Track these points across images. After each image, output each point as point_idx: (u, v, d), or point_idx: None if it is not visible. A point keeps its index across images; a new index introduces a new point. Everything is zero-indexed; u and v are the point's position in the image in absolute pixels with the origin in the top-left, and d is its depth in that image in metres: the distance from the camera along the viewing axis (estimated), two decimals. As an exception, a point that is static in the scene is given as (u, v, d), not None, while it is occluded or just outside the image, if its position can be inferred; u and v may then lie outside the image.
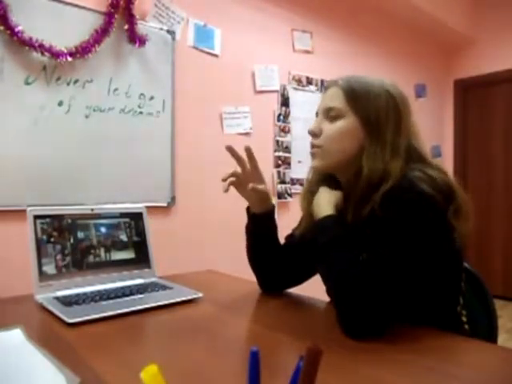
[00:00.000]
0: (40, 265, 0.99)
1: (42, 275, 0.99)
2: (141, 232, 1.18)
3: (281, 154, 2.68)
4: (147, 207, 1.22)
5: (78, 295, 0.97)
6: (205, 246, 2.29)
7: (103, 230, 1.12)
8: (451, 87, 4.12)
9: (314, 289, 1.08)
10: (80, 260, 1.05)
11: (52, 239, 1.02)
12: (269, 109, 2.63)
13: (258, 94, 2.57)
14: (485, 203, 3.82)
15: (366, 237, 0.79)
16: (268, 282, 1.09)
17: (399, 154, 0.83)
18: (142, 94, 2.03)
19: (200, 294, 1.00)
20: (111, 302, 0.93)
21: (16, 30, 1.63)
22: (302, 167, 2.67)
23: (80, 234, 1.07)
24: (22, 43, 1.65)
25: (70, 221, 1.06)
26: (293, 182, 2.73)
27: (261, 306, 1.03)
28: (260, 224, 1.05)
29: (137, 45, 1.97)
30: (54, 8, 1.76)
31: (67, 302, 0.91)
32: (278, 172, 2.67)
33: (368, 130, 0.85)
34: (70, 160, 1.82)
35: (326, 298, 0.92)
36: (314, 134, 0.90)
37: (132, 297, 0.97)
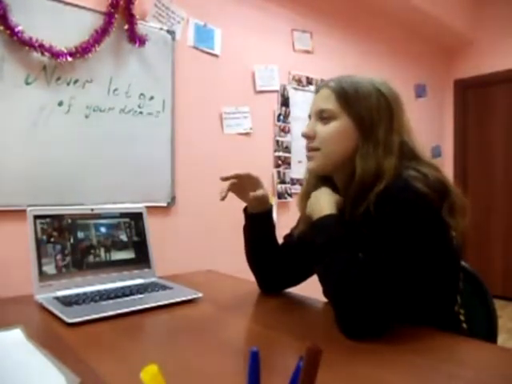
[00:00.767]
0: (40, 265, 0.99)
1: (42, 275, 0.99)
2: (141, 232, 1.18)
3: (281, 153, 2.68)
4: (147, 207, 1.22)
5: (78, 295, 0.97)
6: (205, 246, 2.29)
7: (103, 230, 1.12)
8: (451, 87, 4.12)
9: (313, 289, 1.07)
10: (80, 260, 1.05)
11: (52, 239, 1.02)
12: (269, 109, 2.63)
13: (257, 93, 2.57)
14: (485, 203, 3.82)
15: (362, 236, 0.79)
16: (266, 282, 1.09)
17: (392, 151, 0.84)
18: (141, 94, 2.03)
19: (200, 294, 1.00)
20: (111, 302, 0.93)
21: (16, 29, 1.63)
22: (301, 167, 2.65)
23: (80, 234, 1.07)
24: (21, 43, 1.65)
25: (70, 221, 1.06)
26: (293, 181, 2.73)
27: (261, 306, 1.03)
28: (258, 224, 1.05)
29: (137, 45, 1.97)
30: (54, 8, 1.76)
31: (67, 301, 0.91)
32: (278, 172, 2.67)
33: (361, 129, 0.86)
34: (69, 160, 1.81)
35: (325, 299, 0.92)
36: (309, 137, 0.91)
37: (132, 297, 0.97)
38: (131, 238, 1.16)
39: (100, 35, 1.84)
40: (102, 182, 1.90)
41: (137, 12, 1.95)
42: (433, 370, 0.62)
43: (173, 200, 2.15)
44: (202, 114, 2.30)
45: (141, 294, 1.00)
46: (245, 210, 1.07)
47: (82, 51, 1.79)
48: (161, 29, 2.10)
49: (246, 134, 2.50)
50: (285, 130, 2.70)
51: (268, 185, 2.63)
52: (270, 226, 1.06)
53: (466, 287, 1.02)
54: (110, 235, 1.12)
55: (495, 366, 0.67)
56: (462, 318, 0.92)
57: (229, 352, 0.72)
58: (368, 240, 0.77)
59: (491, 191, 3.85)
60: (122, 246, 1.13)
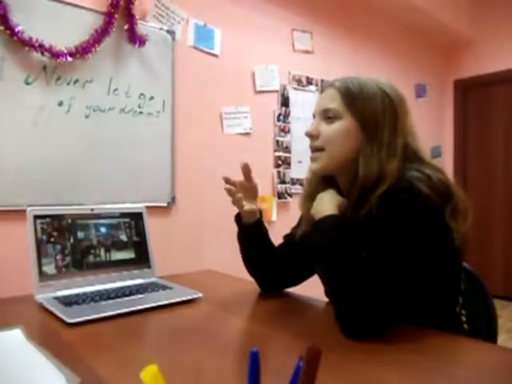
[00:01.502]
0: (40, 265, 0.99)
1: (42, 275, 0.99)
2: (141, 232, 1.18)
3: (281, 153, 2.68)
4: (147, 207, 1.22)
5: (77, 295, 0.97)
6: (205, 246, 2.29)
7: (103, 230, 1.12)
8: (451, 87, 4.12)
9: (313, 289, 1.08)
10: (80, 260, 1.05)
11: (52, 239, 1.02)
12: (269, 109, 2.63)
13: (258, 93, 2.57)
14: (485, 203, 3.82)
15: (363, 237, 0.79)
16: (266, 283, 1.09)
17: (396, 153, 0.83)
18: (141, 94, 2.03)
19: (200, 294, 1.00)
20: (111, 301, 0.93)
21: (16, 29, 1.63)
22: (301, 167, 2.67)
23: (80, 234, 1.07)
24: (22, 43, 1.65)
25: (70, 221, 1.06)
26: (293, 181, 2.73)
27: (261, 306, 1.03)
28: (251, 233, 1.06)
29: (137, 45, 1.97)
30: (54, 8, 1.76)
31: (67, 302, 0.91)
32: (278, 172, 2.67)
33: (365, 130, 0.85)
34: (69, 160, 1.82)
35: (326, 298, 0.92)
36: (312, 136, 0.90)
37: (132, 297, 0.97)
38: (131, 237, 1.16)
39: (100, 35, 1.84)
40: (102, 182, 1.90)
41: (137, 12, 1.95)
42: (433, 370, 0.62)
43: (173, 200, 2.15)
44: (201, 114, 2.30)
45: (141, 293, 1.00)
46: (236, 218, 1.07)
47: (82, 51, 1.79)
48: (161, 29, 2.10)
49: (246, 133, 2.50)
50: (285, 130, 2.70)
51: (268, 185, 2.63)
52: (264, 233, 1.07)
53: (466, 287, 1.02)
54: (109, 235, 1.12)
55: (495, 366, 0.67)
56: (463, 318, 0.92)
57: (229, 352, 0.72)
58: (369, 240, 0.77)
59: (491, 191, 3.85)
60: (121, 246, 1.13)
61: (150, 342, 0.79)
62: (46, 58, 1.73)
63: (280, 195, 2.66)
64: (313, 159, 0.92)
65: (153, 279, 1.15)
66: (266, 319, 0.89)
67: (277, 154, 2.67)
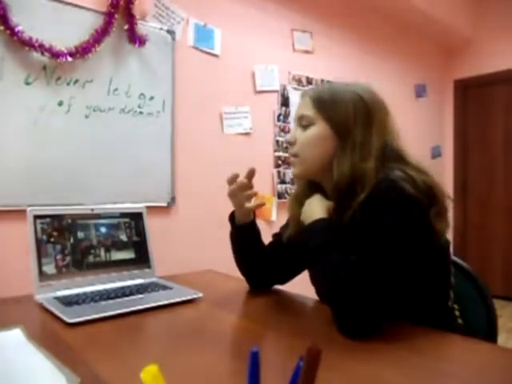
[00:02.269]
0: (40, 265, 0.99)
1: (42, 275, 0.99)
2: (141, 232, 1.18)
3: (281, 153, 2.68)
4: (147, 207, 1.22)
5: (77, 295, 0.97)
6: (205, 245, 2.29)
7: (103, 230, 1.12)
8: (451, 87, 4.12)
9: (313, 289, 1.08)
10: (80, 260, 1.05)
11: (52, 239, 1.02)
12: (269, 109, 2.63)
13: (258, 93, 2.57)
14: (485, 203, 3.82)
15: (350, 240, 0.79)
16: (256, 281, 1.11)
17: (370, 154, 0.84)
18: (141, 94, 2.03)
19: (200, 294, 1.00)
20: (111, 301, 0.93)
21: (16, 29, 1.63)
22: (301, 167, 2.67)
23: (80, 234, 1.07)
24: (22, 43, 1.65)
25: (70, 221, 1.06)
26: (293, 182, 2.73)
27: (261, 306, 1.03)
28: (244, 233, 1.07)
29: (137, 45, 1.97)
30: (54, 8, 1.76)
31: (67, 302, 0.91)
32: (278, 172, 2.67)
33: (338, 134, 0.88)
34: (69, 160, 1.82)
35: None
36: (290, 143, 0.94)
37: (132, 297, 0.97)
38: (131, 237, 1.16)
39: (100, 35, 1.84)
40: (102, 182, 1.90)
41: (137, 12, 1.95)
42: (432, 370, 0.62)
43: (173, 200, 2.15)
44: (202, 114, 2.30)
45: (141, 294, 1.00)
46: (230, 217, 1.08)
47: (82, 51, 1.79)
48: (161, 29, 2.10)
49: (246, 133, 2.50)
50: (285, 130, 2.70)
51: (268, 185, 2.63)
52: (257, 234, 1.08)
53: (466, 287, 1.02)
54: (109, 235, 1.12)
55: (495, 366, 0.67)
56: (456, 313, 0.92)
57: (229, 352, 0.72)
58: (356, 243, 0.78)
59: (491, 191, 3.85)
60: (121, 246, 1.13)
61: (150, 342, 0.79)
62: (46, 58, 1.73)
63: (280, 195, 2.66)
64: (291, 164, 0.96)
65: (153, 279, 1.15)
66: (266, 319, 0.89)
67: (277, 154, 2.67)
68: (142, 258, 1.16)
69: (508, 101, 3.78)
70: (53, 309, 0.87)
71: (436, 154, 3.93)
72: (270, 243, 1.10)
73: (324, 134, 0.89)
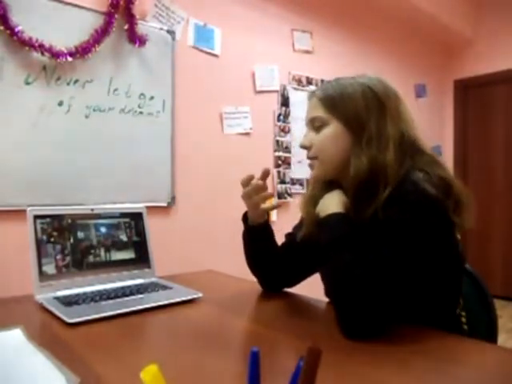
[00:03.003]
0: (40, 265, 0.99)
1: (42, 275, 0.98)
2: (141, 232, 1.18)
3: (281, 153, 2.68)
4: (147, 207, 1.22)
5: (77, 295, 0.97)
6: (205, 245, 2.29)
7: (103, 230, 1.12)
8: (451, 87, 4.12)
9: (314, 289, 1.08)
10: (80, 260, 1.05)
11: (52, 239, 1.02)
12: (269, 109, 2.63)
13: (258, 93, 2.57)
14: (485, 203, 3.82)
15: (368, 238, 0.79)
16: (268, 282, 1.09)
17: (388, 145, 0.83)
18: (142, 94, 2.03)
19: (200, 294, 1.00)
20: (111, 302, 0.93)
21: (16, 29, 1.63)
22: (302, 167, 2.67)
23: (80, 234, 1.07)
24: (22, 43, 1.65)
25: (70, 221, 1.06)
26: (293, 181, 2.73)
27: (261, 306, 1.03)
28: (258, 235, 1.06)
29: (137, 45, 1.97)
30: (54, 8, 1.76)
31: (67, 302, 0.91)
32: (278, 172, 2.67)
33: (352, 130, 0.86)
34: (69, 160, 1.82)
35: (326, 298, 0.92)
36: (305, 147, 0.93)
37: (132, 297, 0.97)
38: (131, 237, 1.16)
39: (100, 35, 1.84)
40: (102, 182, 1.90)
41: (137, 12, 1.95)
42: (433, 370, 0.62)
43: (173, 200, 2.15)
44: (202, 114, 2.30)
45: (141, 294, 1.00)
46: (244, 218, 1.07)
47: (82, 51, 1.79)
48: (161, 29, 2.10)
49: (246, 133, 2.50)
50: (285, 130, 2.70)
51: (268, 185, 2.62)
52: (270, 235, 1.07)
53: (466, 286, 1.02)
54: (110, 235, 1.12)
55: (495, 366, 0.67)
56: (463, 319, 0.92)
57: (229, 352, 0.72)
58: (374, 242, 0.77)
59: (491, 191, 3.85)
60: (121, 246, 1.13)
61: (150, 342, 0.79)
62: (46, 58, 1.73)
63: (280, 195, 2.66)
64: (310, 167, 0.95)
65: (153, 279, 1.15)
66: (266, 319, 0.89)
67: (277, 154, 2.67)
68: (141, 258, 1.16)
69: (508, 101, 3.78)
70: (53, 309, 0.87)
71: (436, 154, 3.92)
72: (284, 243, 1.09)
73: (338, 132, 0.87)
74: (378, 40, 3.34)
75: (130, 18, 1.93)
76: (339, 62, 3.02)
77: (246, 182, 1.00)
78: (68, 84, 1.81)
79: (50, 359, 0.61)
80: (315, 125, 0.90)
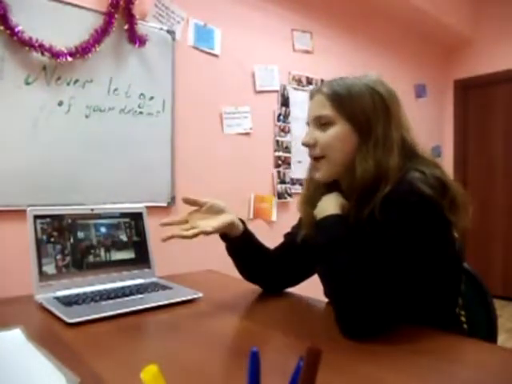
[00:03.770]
0: (40, 265, 0.99)
1: (42, 275, 0.98)
2: (141, 232, 1.18)
3: (281, 153, 2.68)
4: (147, 207, 1.22)
5: (77, 295, 0.97)
6: (205, 246, 2.28)
7: (103, 229, 1.12)
8: (451, 87, 4.12)
9: (313, 289, 1.07)
10: (80, 260, 1.05)
11: (52, 239, 1.02)
12: (269, 109, 2.63)
13: (258, 93, 2.57)
14: (485, 203, 3.81)
15: (366, 237, 0.79)
16: (269, 285, 1.09)
17: (392, 149, 0.83)
18: (141, 94, 2.03)
19: (200, 294, 1.00)
20: (111, 302, 0.93)
21: (16, 29, 1.63)
22: (302, 167, 2.67)
23: (80, 234, 1.07)
24: (22, 43, 1.65)
25: (69, 221, 1.06)
26: (293, 181, 2.73)
27: (261, 306, 1.03)
28: (241, 245, 1.02)
29: (137, 45, 1.97)
30: (54, 8, 1.76)
31: (67, 302, 0.91)
32: (278, 172, 2.67)
33: (359, 131, 0.85)
34: (70, 160, 1.82)
35: (325, 298, 0.92)
36: (309, 145, 0.90)
37: (132, 297, 0.97)
38: (131, 237, 1.16)
39: (100, 35, 1.84)
40: (102, 182, 1.90)
41: (137, 12, 1.95)
42: (433, 370, 0.62)
43: (173, 200, 2.15)
44: (202, 114, 2.30)
45: (141, 294, 1.00)
46: (221, 234, 1.02)
47: (82, 51, 1.79)
48: (161, 29, 2.10)
49: (246, 133, 2.50)
50: (285, 130, 2.70)
51: (268, 185, 2.63)
52: (253, 241, 1.04)
53: (466, 286, 1.02)
54: (109, 235, 1.12)
55: (495, 366, 0.67)
56: (463, 319, 0.92)
57: (229, 352, 0.72)
58: (371, 241, 0.77)
59: (491, 191, 3.85)
60: (121, 246, 1.13)
61: (150, 342, 0.79)
62: (46, 58, 1.73)
63: (280, 195, 2.66)
64: (315, 168, 0.92)
65: (153, 279, 1.15)
66: (266, 319, 0.89)
67: (277, 153, 2.67)
68: (141, 258, 1.16)
69: (508, 101, 3.78)
70: (53, 309, 0.87)
71: (436, 154, 3.92)
72: (282, 244, 1.08)
73: (346, 132, 0.86)
74: (378, 40, 3.34)
75: (130, 18, 1.93)
76: (339, 61, 3.02)
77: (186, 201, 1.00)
78: (68, 84, 1.81)
79: (50, 359, 0.61)
80: (321, 123, 0.88)
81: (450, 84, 4.13)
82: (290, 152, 2.72)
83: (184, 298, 0.97)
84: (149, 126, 2.06)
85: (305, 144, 0.91)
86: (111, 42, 1.91)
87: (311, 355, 0.31)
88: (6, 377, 0.58)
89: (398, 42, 3.54)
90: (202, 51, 2.30)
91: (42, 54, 1.70)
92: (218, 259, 2.18)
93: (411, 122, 0.91)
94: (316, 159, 0.90)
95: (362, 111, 0.85)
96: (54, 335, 0.77)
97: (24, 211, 1.02)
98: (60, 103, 1.79)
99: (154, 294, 1.00)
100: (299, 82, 2.80)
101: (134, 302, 0.93)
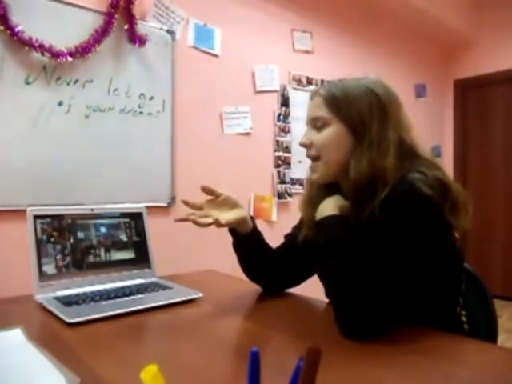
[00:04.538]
0: (40, 265, 0.99)
1: (42, 275, 0.98)
2: (141, 232, 1.18)
3: (281, 153, 2.68)
4: (147, 207, 1.22)
5: (77, 295, 0.97)
6: (205, 246, 2.29)
7: (103, 229, 1.12)
8: (451, 87, 4.12)
9: (314, 289, 1.07)
10: (80, 260, 1.05)
11: (52, 239, 1.02)
12: (269, 109, 2.63)
13: (258, 93, 2.57)
14: (485, 203, 3.81)
15: (366, 238, 0.79)
16: (270, 285, 1.09)
17: (388, 150, 0.83)
18: (141, 94, 2.03)
19: (200, 294, 1.00)
20: (111, 301, 0.93)
21: (16, 29, 1.63)
22: (302, 167, 2.67)
23: (80, 234, 1.07)
24: (22, 43, 1.65)
25: (69, 221, 1.06)
26: (293, 181, 2.73)
27: (261, 306, 1.03)
28: (248, 243, 1.04)
29: (137, 45, 1.97)
30: (54, 8, 1.76)
31: (67, 302, 0.91)
32: (278, 172, 2.67)
33: (354, 132, 0.86)
34: (69, 160, 1.82)
35: (326, 298, 0.92)
36: (305, 146, 0.92)
37: (132, 297, 0.97)
38: (131, 237, 1.16)
39: (100, 35, 1.84)
40: (102, 182, 1.90)
41: (137, 12, 1.95)
42: (433, 370, 0.62)
43: (173, 200, 2.15)
44: (202, 114, 2.30)
45: (141, 294, 1.00)
46: (231, 229, 1.03)
47: (82, 51, 1.79)
48: (161, 29, 2.10)
49: (246, 133, 2.50)
50: (285, 130, 2.70)
51: (268, 185, 2.63)
52: (261, 240, 1.05)
53: (466, 287, 1.02)
54: (109, 235, 1.12)
55: (495, 366, 0.67)
56: (463, 319, 0.92)
57: (229, 352, 0.72)
58: (371, 242, 0.77)
59: (491, 191, 3.85)
60: (121, 246, 1.13)
61: (150, 342, 0.79)
62: (46, 58, 1.73)
63: (280, 195, 2.66)
64: (312, 169, 0.93)
65: (153, 279, 1.15)
66: (266, 319, 0.89)
67: (277, 153, 2.67)
68: (141, 258, 1.16)
69: (508, 101, 3.78)
70: (53, 309, 0.87)
71: (436, 154, 3.92)
72: (283, 244, 1.09)
73: (340, 133, 0.87)
74: (378, 40, 3.34)
75: (130, 18, 1.93)
76: (339, 62, 3.02)
77: (184, 203, 1.01)
78: (68, 84, 1.81)
79: (50, 359, 0.61)
80: (317, 124, 0.90)
81: (449, 84, 4.13)
82: (290, 152, 2.72)
83: (184, 298, 0.97)
84: (149, 126, 2.06)
85: (301, 145, 0.93)
86: (111, 42, 1.91)
87: (311, 355, 0.31)
88: (6, 377, 0.58)
89: (398, 42, 3.54)
90: (201, 51, 2.30)
91: (42, 54, 1.70)
92: (218, 259, 2.18)
93: (411, 122, 0.91)
94: (312, 160, 0.92)
95: (358, 112, 0.85)
96: (54, 335, 0.77)
97: (24, 211, 1.02)
98: (60, 103, 1.79)
99: (154, 294, 1.00)
100: (299, 82, 2.80)
101: (134, 302, 0.93)
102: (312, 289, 1.10)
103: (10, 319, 0.85)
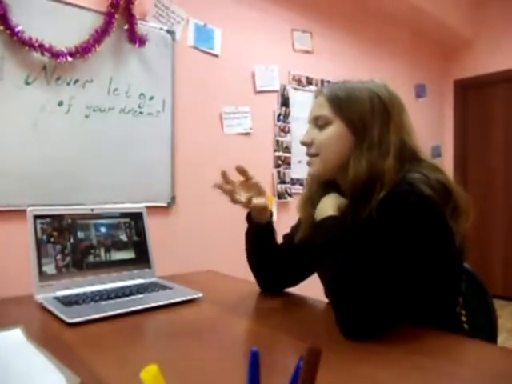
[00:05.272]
0: (40, 265, 0.99)
1: (42, 275, 0.99)
2: (141, 232, 1.18)
3: (281, 153, 2.68)
4: (147, 207, 1.22)
5: (77, 295, 0.97)
6: (205, 246, 2.29)
7: (103, 230, 1.12)
8: (451, 87, 4.12)
9: (313, 289, 1.08)
10: (80, 260, 1.05)
11: (52, 239, 1.02)
12: (269, 109, 2.63)
13: (258, 93, 2.57)
14: (485, 203, 3.81)
15: (364, 238, 0.79)
16: (266, 282, 1.09)
17: (388, 152, 0.83)
18: (141, 94, 2.03)
19: (200, 294, 1.00)
20: (111, 301, 0.93)
21: (16, 29, 1.63)
22: (301, 167, 2.67)
23: (80, 234, 1.07)
24: (22, 43, 1.65)
25: (69, 221, 1.06)
26: (293, 181, 2.73)
27: (260, 306, 1.03)
28: (259, 233, 1.06)
29: (137, 45, 1.97)
30: (54, 8, 1.76)
31: (67, 302, 0.91)
32: (278, 172, 2.67)
33: (355, 132, 0.87)
34: (69, 160, 1.82)
35: (326, 299, 0.92)
36: (306, 144, 0.93)
37: (132, 297, 0.97)
38: (131, 237, 1.16)
39: (100, 35, 1.84)
40: (102, 182, 1.90)
41: (137, 12, 1.95)
42: (433, 370, 0.62)
43: (173, 200, 2.15)
44: (202, 114, 2.30)
45: (141, 294, 1.00)
46: (248, 216, 1.08)
47: (81, 51, 1.79)
48: (161, 29, 2.10)
49: (246, 133, 2.50)
50: (285, 130, 2.70)
51: (268, 185, 2.63)
52: (272, 234, 1.08)
53: (466, 287, 1.02)
54: (109, 235, 1.12)
55: (495, 366, 0.67)
56: (463, 318, 0.92)
57: (229, 352, 0.72)
58: (370, 242, 0.77)
59: (491, 191, 3.85)
60: (121, 246, 1.13)
61: (150, 342, 0.79)
62: (46, 58, 1.73)
63: (280, 195, 2.66)
64: (309, 164, 0.95)
65: (153, 279, 1.15)
66: (266, 319, 0.89)
67: (277, 153, 2.67)
68: (141, 258, 1.16)
69: (508, 101, 3.78)
70: (53, 309, 0.87)
71: (436, 154, 3.92)
72: (281, 244, 1.09)
73: (341, 133, 0.88)
74: (378, 40, 3.34)
75: (130, 18, 1.93)
76: (339, 62, 3.02)
77: (223, 175, 1.06)
78: (68, 84, 1.81)
79: (50, 359, 0.61)
80: (319, 123, 0.91)
81: (449, 84, 4.13)
82: (290, 152, 2.72)
83: (184, 298, 0.97)
84: (149, 125, 2.06)
85: (302, 143, 0.94)
86: (111, 42, 1.91)
87: (311, 355, 0.31)
88: (6, 377, 0.58)
89: (398, 42, 3.54)
90: (201, 51, 2.30)
91: (42, 53, 1.70)
92: (218, 259, 2.18)
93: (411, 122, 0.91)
94: (311, 156, 0.93)
95: (359, 114, 0.86)
96: (54, 335, 0.77)
97: (24, 211, 1.02)
98: (60, 103, 1.79)
99: (154, 294, 1.00)
100: (299, 82, 2.80)
101: (134, 302, 0.93)
102: (312, 289, 1.10)
103: (10, 319, 0.85)
